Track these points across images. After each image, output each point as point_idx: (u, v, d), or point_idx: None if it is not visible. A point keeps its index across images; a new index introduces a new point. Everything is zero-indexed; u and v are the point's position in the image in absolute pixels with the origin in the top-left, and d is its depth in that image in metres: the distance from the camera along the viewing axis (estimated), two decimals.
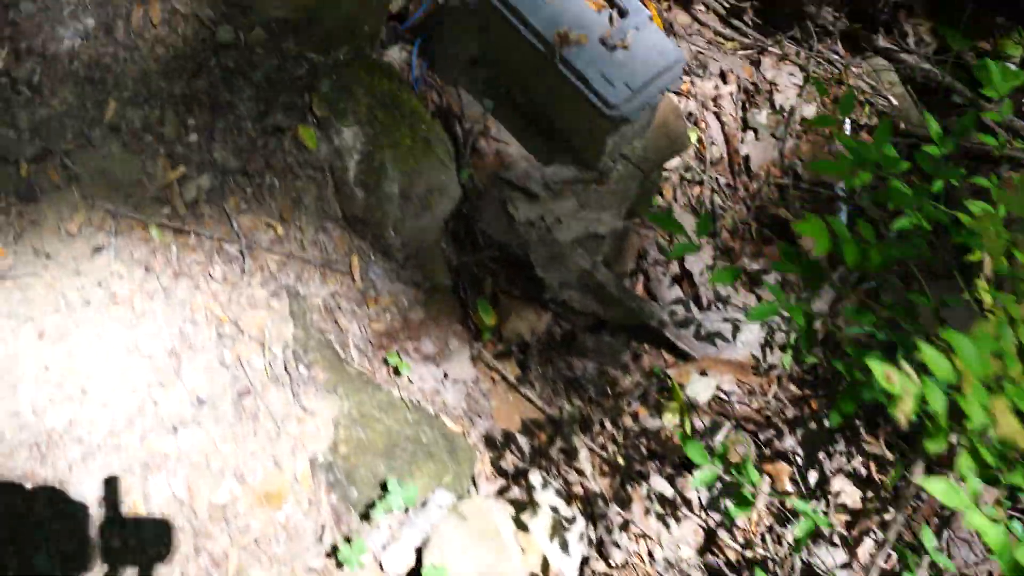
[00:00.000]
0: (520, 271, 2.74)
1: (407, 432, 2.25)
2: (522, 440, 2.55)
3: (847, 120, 3.71)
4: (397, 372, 2.39)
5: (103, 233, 2.34)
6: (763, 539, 2.80)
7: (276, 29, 2.66)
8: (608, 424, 2.76)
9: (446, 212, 2.56)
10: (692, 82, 3.62)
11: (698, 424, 2.87)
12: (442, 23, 2.93)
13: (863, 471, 3.05)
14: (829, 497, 2.95)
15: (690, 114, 3.45)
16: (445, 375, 2.46)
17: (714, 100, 3.61)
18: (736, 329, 2.90)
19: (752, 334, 2.92)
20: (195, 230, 2.38)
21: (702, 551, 2.72)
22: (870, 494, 3.01)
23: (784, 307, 1.69)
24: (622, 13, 2.48)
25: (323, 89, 2.59)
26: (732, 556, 2.72)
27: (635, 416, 2.84)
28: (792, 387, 3.17)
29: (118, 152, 2.43)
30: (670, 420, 2.84)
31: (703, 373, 2.93)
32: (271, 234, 2.41)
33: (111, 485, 2.02)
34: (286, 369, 2.24)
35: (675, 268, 3.19)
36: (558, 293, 2.64)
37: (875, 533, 2.95)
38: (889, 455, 3.06)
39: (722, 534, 2.72)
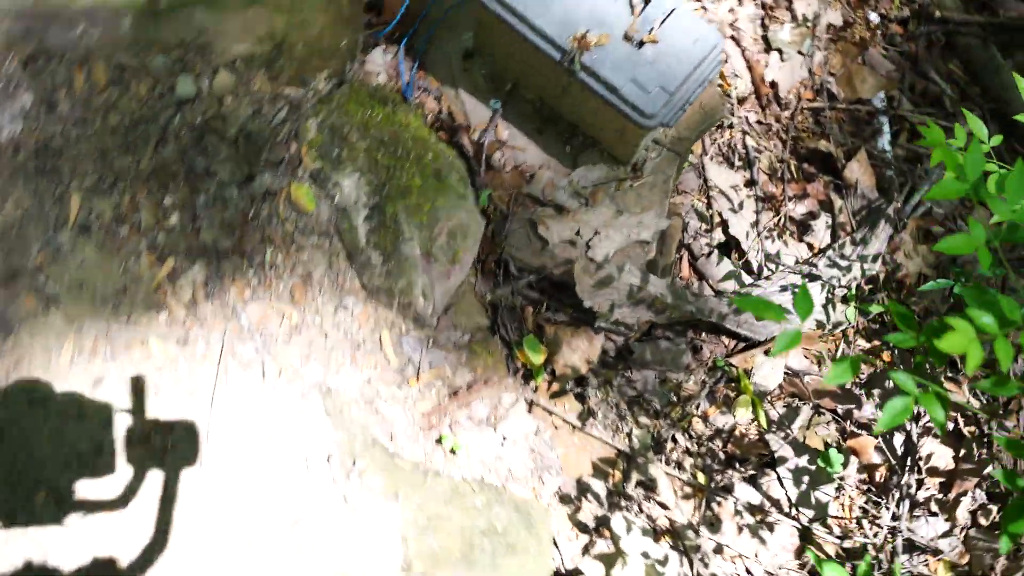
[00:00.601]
0: (563, 294, 2.46)
1: (480, 524, 2.03)
2: (596, 484, 2.34)
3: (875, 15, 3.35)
4: (453, 452, 2.15)
5: (99, 360, 2.06)
6: (859, 524, 2.63)
7: (242, 69, 2.29)
8: (680, 436, 2.54)
9: (473, 254, 2.26)
10: (704, 7, 3.22)
11: (772, 414, 2.64)
12: (427, 15, 2.53)
13: (950, 426, 2.85)
14: (920, 463, 2.75)
15: None
16: (504, 438, 2.22)
17: (731, 24, 3.22)
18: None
19: (813, 294, 2.66)
20: (200, 335, 2.08)
21: (799, 552, 2.54)
22: (962, 451, 2.82)
23: (920, 401, 1.43)
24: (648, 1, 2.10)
25: (310, 134, 2.25)
26: (831, 551, 2.55)
27: (705, 418, 2.62)
28: (860, 341, 2.93)
29: (94, 256, 2.13)
30: (742, 415, 2.63)
31: (768, 353, 2.68)
32: (286, 324, 2.12)
33: None
34: (335, 482, 1.99)
35: (718, 235, 2.90)
36: (609, 316, 2.36)
37: (972, 494, 2.79)
38: (976, 402, 2.86)
39: (817, 530, 2.54)
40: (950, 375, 2.90)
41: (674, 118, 2.10)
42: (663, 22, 2.10)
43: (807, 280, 2.76)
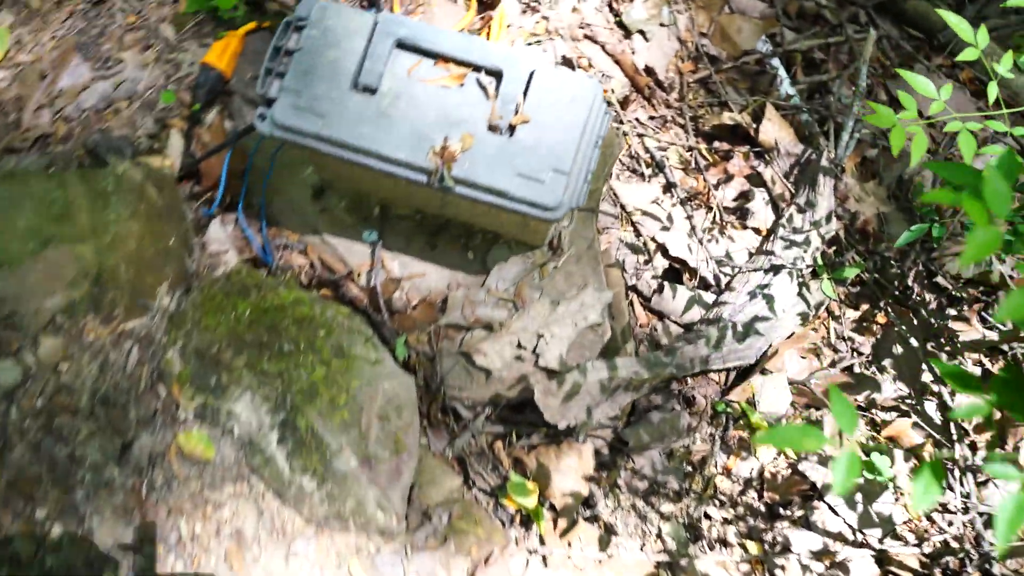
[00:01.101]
0: (529, 413, 2.10)
1: None
2: None
3: None
4: None
5: None
6: (930, 520, 2.33)
7: (66, 323, 1.88)
8: (711, 509, 2.20)
9: (416, 428, 1.88)
10: (546, 17, 2.86)
11: None
12: (253, 166, 2.12)
13: (976, 370, 2.57)
14: (964, 424, 2.47)
15: (564, 58, 2.72)
16: None
17: (580, 25, 2.87)
18: (769, 300, 2.33)
19: (784, 287, 2.35)
20: None
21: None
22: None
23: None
24: (493, 74, 1.73)
25: (175, 368, 1.84)
26: (915, 563, 2.25)
27: (728, 473, 2.29)
28: (848, 312, 2.63)
29: None
30: (765, 453, 2.29)
31: (764, 372, 2.36)
32: None
33: None
34: None
35: (660, 261, 2.55)
36: (589, 423, 2.01)
37: None
38: (992, 336, 2.58)
39: (892, 546, 2.23)
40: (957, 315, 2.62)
41: (582, 195, 1.74)
42: (526, 94, 1.72)
43: (772, 274, 2.43)
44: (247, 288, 1.99)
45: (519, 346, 2.07)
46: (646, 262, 2.54)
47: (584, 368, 2.03)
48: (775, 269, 2.45)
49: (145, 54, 2.44)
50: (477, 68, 1.79)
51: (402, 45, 1.79)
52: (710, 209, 2.66)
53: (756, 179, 2.69)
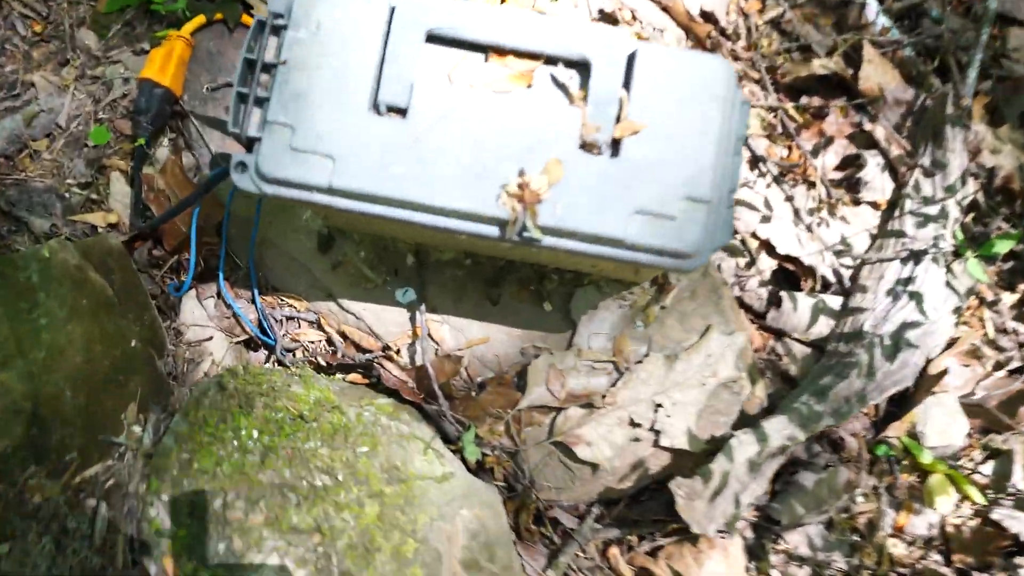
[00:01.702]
0: (653, 504, 1.57)
1: None
2: None
3: None
4: None
5: None
6: None
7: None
8: None
9: (519, 572, 1.33)
10: None
11: (980, 475, 1.79)
12: (230, 217, 1.53)
13: None
14: None
15: (602, 12, 2.13)
16: None
17: None
18: (917, 299, 1.80)
19: (931, 279, 1.85)
20: None
21: None
22: None
23: None
24: (575, 65, 1.19)
25: (163, 529, 1.27)
26: None
27: (899, 533, 1.76)
28: (1005, 296, 2.08)
29: None
30: (944, 502, 1.79)
31: (930, 391, 1.82)
32: None
33: None
34: None
35: (765, 262, 2.00)
36: (738, 515, 1.47)
37: None
38: None
39: None
40: None
41: (727, 228, 1.17)
42: (629, 89, 1.14)
43: (912, 263, 1.87)
44: (249, 396, 1.41)
45: (632, 423, 1.51)
46: (748, 265, 1.97)
47: (729, 449, 1.47)
48: (915, 256, 1.89)
49: (62, 73, 1.82)
50: (550, 60, 1.20)
51: (434, 38, 1.21)
52: (812, 185, 2.08)
53: (863, 139, 2.12)
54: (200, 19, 1.78)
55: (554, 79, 1.21)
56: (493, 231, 1.18)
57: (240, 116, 1.21)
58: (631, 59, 1.20)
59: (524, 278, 1.59)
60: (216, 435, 1.38)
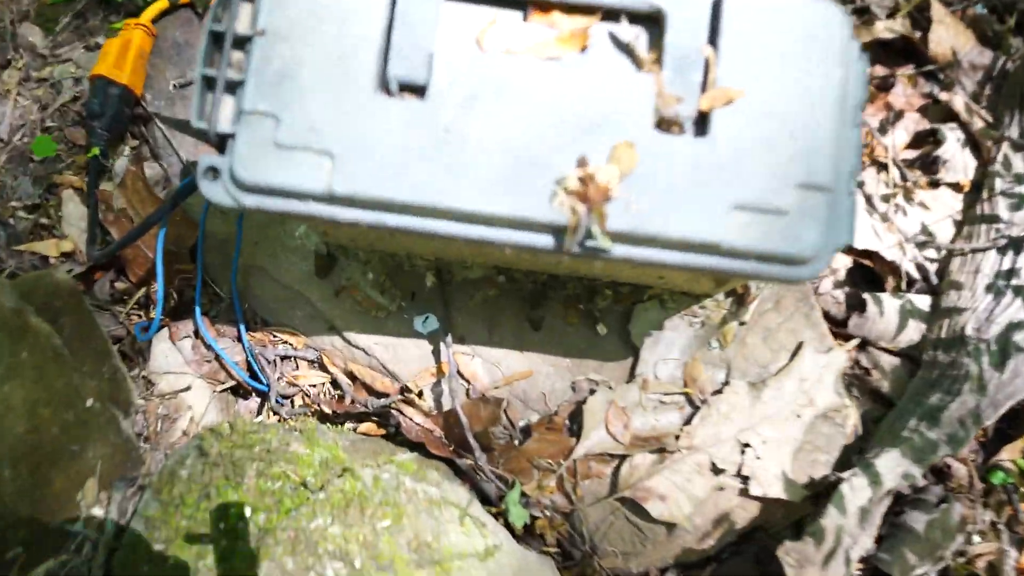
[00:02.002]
0: (731, 555, 1.28)
1: None
2: None
3: None
4: None
5: None
6: None
7: None
8: None
9: None
10: None
11: None
12: (206, 239, 1.24)
13: None
14: None
15: None
16: None
17: None
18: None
19: None
20: None
21: None
22: None
23: None
24: (642, 19, 0.93)
25: None
26: None
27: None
28: None
29: None
30: None
31: None
32: None
33: None
34: None
35: (839, 259, 1.69)
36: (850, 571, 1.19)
37: None
38: None
39: None
40: None
41: (850, 224, 0.87)
42: (716, 46, 0.86)
43: (1012, 252, 1.59)
44: (237, 462, 1.12)
45: (714, 469, 1.22)
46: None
47: (840, 498, 1.18)
48: (1014, 244, 1.61)
49: (2, 77, 1.53)
50: (608, 14, 0.91)
51: None
52: (882, 167, 1.79)
53: (938, 111, 1.84)
54: (162, 3, 1.49)
55: (615, 39, 0.92)
56: (547, 241, 0.89)
57: (207, 107, 0.92)
58: (717, 6, 0.91)
59: (571, 296, 1.29)
60: (197, 517, 1.09)
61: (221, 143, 0.91)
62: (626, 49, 0.92)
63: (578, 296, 1.29)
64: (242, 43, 0.92)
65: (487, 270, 1.31)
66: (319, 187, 0.88)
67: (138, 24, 1.46)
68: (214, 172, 0.91)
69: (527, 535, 1.27)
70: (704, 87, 0.90)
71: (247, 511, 1.09)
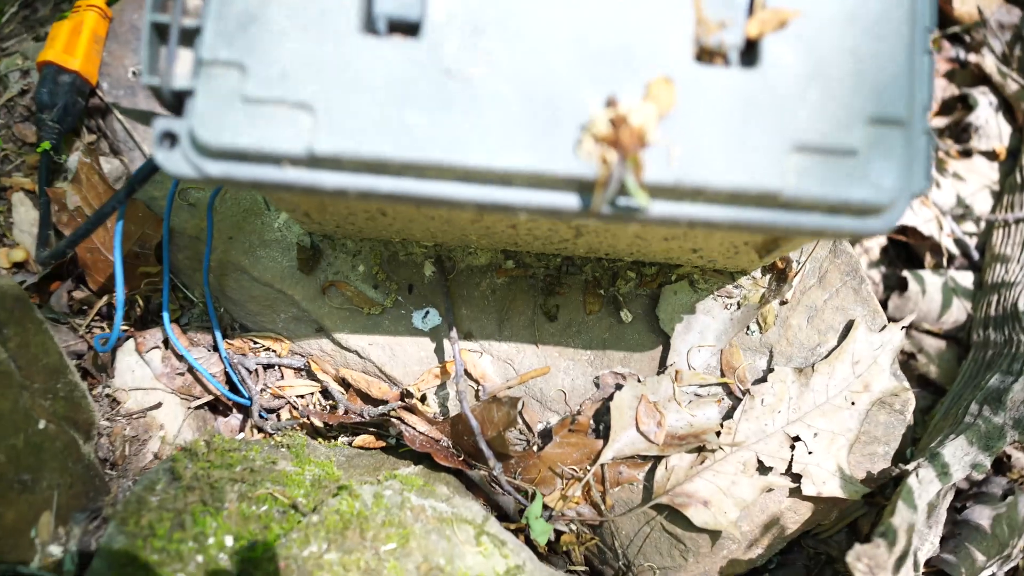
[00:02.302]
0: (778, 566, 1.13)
1: None
2: None
3: None
4: None
5: None
6: None
7: None
8: None
9: None
10: None
11: None
12: (172, 237, 1.09)
13: None
14: None
15: None
16: None
17: None
18: None
19: None
20: None
21: None
22: None
23: None
24: None
25: None
26: None
27: None
28: None
29: None
30: None
31: None
32: None
33: None
34: None
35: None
36: None
37: None
38: None
39: None
40: None
41: (927, 166, 0.73)
42: None
43: None
44: (216, 484, 0.97)
45: (761, 468, 1.07)
46: (852, 243, 1.55)
47: (910, 493, 1.03)
48: None
49: None
50: None
51: None
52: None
53: (966, 76, 1.72)
54: None
55: None
56: (571, 201, 0.74)
57: (158, 60, 0.77)
58: None
59: (590, 281, 1.14)
60: (170, 550, 0.93)
61: (178, 103, 0.76)
62: None
63: (598, 280, 1.14)
64: None
65: (494, 255, 1.16)
66: (297, 146, 0.73)
67: (91, 5, 1.31)
68: (171, 138, 0.76)
69: (552, 553, 1.11)
70: (751, 9, 0.76)
71: (226, 539, 0.94)
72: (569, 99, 0.73)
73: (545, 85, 0.74)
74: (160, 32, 0.77)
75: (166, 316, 1.15)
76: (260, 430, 1.18)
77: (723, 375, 1.13)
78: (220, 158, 0.74)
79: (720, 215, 0.75)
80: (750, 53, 0.76)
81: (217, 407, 1.23)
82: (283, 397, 1.19)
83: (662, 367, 1.14)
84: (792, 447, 1.10)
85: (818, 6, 0.75)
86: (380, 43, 0.75)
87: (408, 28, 0.76)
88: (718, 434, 1.10)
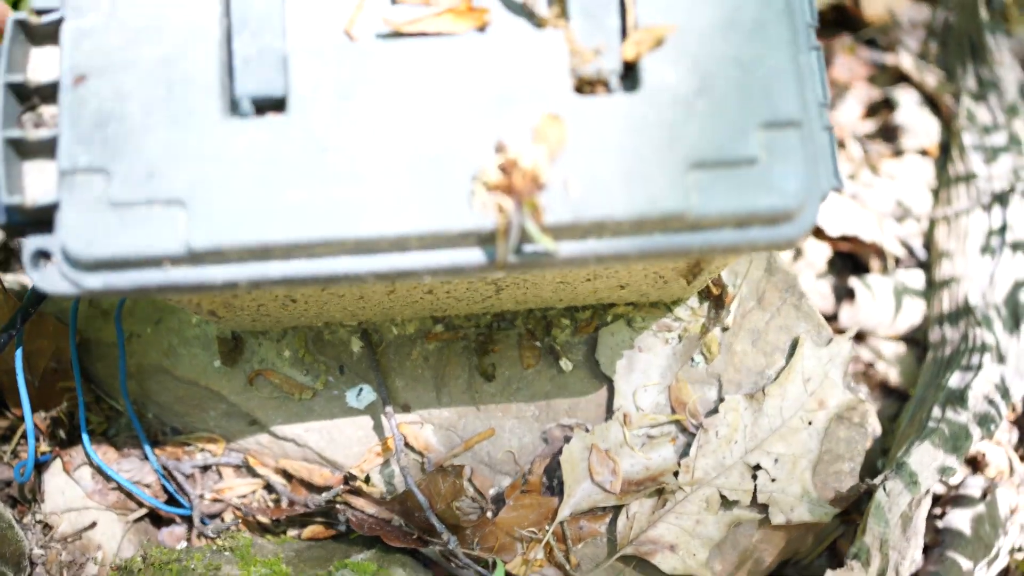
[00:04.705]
0: None
1: None
2: None
3: None
4: None
5: None
6: None
7: None
8: None
9: None
10: None
11: None
12: (80, 347, 1.04)
13: None
14: None
15: None
16: None
17: None
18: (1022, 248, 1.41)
19: None
20: None
21: None
22: None
23: None
24: None
25: None
26: None
27: None
28: None
29: None
30: None
31: None
32: None
33: None
34: None
35: (815, 251, 1.57)
36: None
37: None
38: None
39: None
40: None
41: (833, 164, 0.73)
42: None
43: (999, 206, 1.47)
44: None
45: (724, 502, 1.02)
46: (794, 258, 1.53)
47: (879, 508, 1.00)
48: (998, 198, 1.49)
49: None
50: None
51: None
52: (840, 145, 1.66)
53: (886, 77, 1.73)
54: None
55: (511, 6, 0.74)
56: (475, 256, 0.71)
57: (16, 178, 0.73)
58: None
59: (523, 334, 1.10)
60: None
61: (43, 219, 0.72)
62: (521, 9, 0.74)
63: (532, 332, 1.10)
64: (50, 93, 0.74)
65: (421, 322, 1.11)
66: (174, 245, 0.68)
67: None
68: (44, 256, 0.71)
69: None
70: (624, 32, 0.73)
71: None
72: (455, 153, 0.70)
73: (427, 143, 0.70)
74: (16, 147, 0.73)
75: (84, 435, 1.10)
76: (204, 536, 1.12)
77: (673, 412, 1.09)
78: (97, 269, 0.70)
79: (628, 246, 0.72)
80: (630, 76, 0.73)
81: (156, 519, 1.17)
82: (223, 500, 1.14)
83: (609, 413, 1.10)
84: (754, 477, 1.06)
85: (693, 18, 0.73)
86: (247, 124, 0.71)
87: (275, 105, 0.73)
88: (676, 474, 1.06)
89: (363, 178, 0.69)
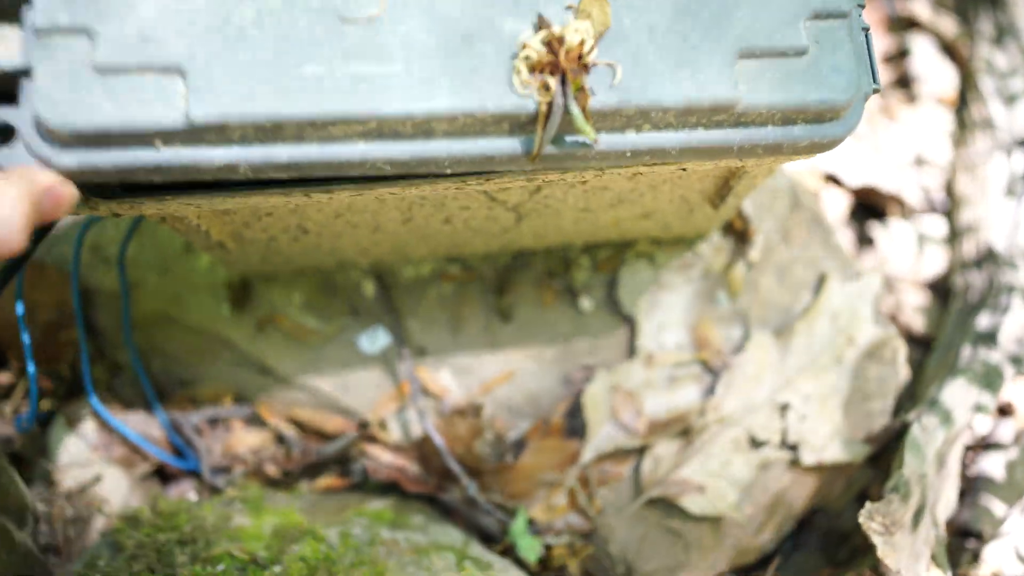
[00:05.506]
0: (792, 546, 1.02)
1: None
2: None
3: None
4: None
5: None
6: None
7: None
8: None
9: None
10: None
11: None
12: (83, 295, 0.99)
13: None
14: None
15: None
16: None
17: None
18: None
19: None
20: None
21: None
22: None
23: None
24: None
25: None
26: None
27: None
28: None
29: None
30: None
31: None
32: None
33: None
34: None
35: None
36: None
37: None
38: None
39: None
40: None
41: (870, 65, 0.68)
42: None
43: (1021, 151, 1.43)
44: (164, 549, 0.86)
45: (753, 442, 0.97)
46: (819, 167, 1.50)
47: (915, 443, 0.94)
48: (1021, 143, 1.44)
49: None
50: None
51: None
52: None
53: (900, 24, 1.68)
54: None
55: None
56: (507, 146, 0.64)
57: None
58: None
59: (542, 273, 1.05)
60: None
61: (10, 88, 0.65)
62: None
63: (550, 272, 1.05)
64: None
65: (436, 262, 1.06)
66: (171, 117, 0.61)
67: None
68: (7, 133, 0.64)
69: (544, 570, 1.00)
70: None
71: None
72: (490, 28, 0.63)
73: (460, 17, 0.65)
74: None
75: (88, 388, 1.05)
76: (214, 489, 1.07)
77: (698, 350, 1.03)
78: (75, 145, 0.62)
79: (668, 140, 0.66)
80: None
81: (164, 475, 1.11)
82: (232, 453, 1.09)
83: (631, 352, 1.04)
84: (783, 415, 1.01)
85: None
86: None
87: None
88: (702, 413, 1.01)
89: (389, 55, 0.63)
